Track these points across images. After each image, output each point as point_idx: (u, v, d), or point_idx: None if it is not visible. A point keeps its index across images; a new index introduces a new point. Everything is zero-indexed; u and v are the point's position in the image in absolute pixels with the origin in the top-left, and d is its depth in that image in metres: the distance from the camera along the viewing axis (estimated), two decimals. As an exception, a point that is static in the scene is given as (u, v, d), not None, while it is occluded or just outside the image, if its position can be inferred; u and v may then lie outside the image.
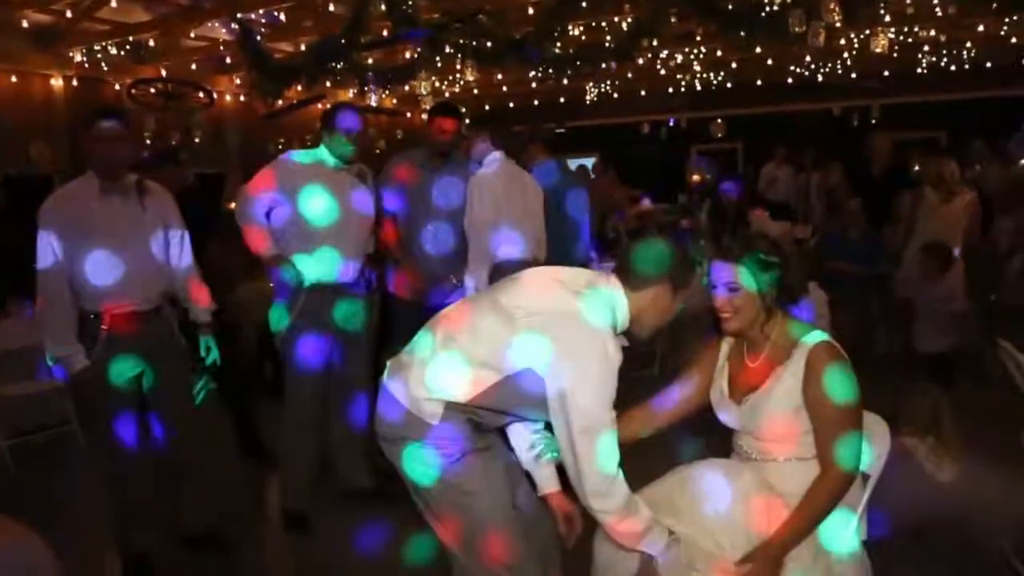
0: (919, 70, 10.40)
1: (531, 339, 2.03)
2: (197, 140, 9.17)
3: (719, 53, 9.34)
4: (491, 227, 4.09)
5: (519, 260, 4.25)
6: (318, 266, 3.77)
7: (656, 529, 2.13)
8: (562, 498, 2.42)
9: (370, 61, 7.60)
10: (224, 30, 7.67)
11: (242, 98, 10.06)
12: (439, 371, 2.14)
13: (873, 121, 11.54)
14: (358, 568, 3.41)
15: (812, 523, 2.20)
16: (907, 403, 3.50)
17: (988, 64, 10.37)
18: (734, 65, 10.25)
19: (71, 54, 7.83)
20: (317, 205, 3.72)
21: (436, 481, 2.16)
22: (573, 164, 7.95)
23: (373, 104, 10.94)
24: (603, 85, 11.37)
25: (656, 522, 2.15)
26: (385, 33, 6.43)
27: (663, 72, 10.16)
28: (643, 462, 2.46)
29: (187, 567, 3.56)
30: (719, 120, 12.24)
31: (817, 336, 2.28)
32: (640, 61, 8.43)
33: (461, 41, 6.18)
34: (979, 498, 3.36)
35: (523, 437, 2.43)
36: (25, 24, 7.15)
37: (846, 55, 9.53)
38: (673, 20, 6.54)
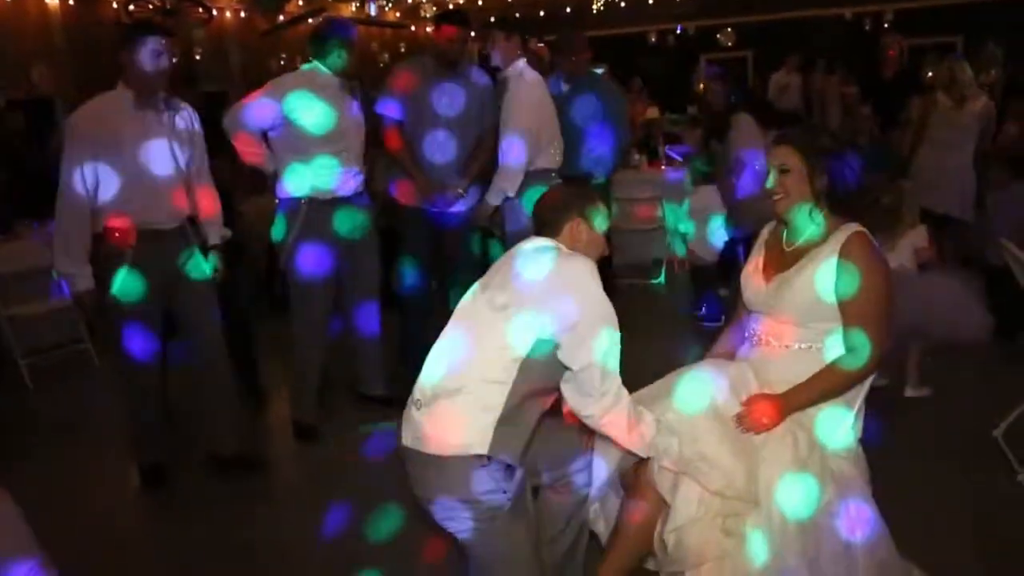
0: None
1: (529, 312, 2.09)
2: (198, 57, 9.05)
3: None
4: (529, 135, 4.16)
5: (550, 169, 4.40)
6: (316, 176, 3.79)
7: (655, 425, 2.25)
8: None
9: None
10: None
11: (242, 14, 9.89)
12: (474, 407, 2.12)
13: (886, 26, 11.27)
14: (369, 475, 3.46)
15: (822, 394, 2.32)
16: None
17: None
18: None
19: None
20: (311, 113, 3.72)
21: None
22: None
23: (373, 15, 10.75)
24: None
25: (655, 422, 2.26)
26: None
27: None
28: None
29: (199, 483, 3.66)
30: (728, 28, 11.98)
31: (854, 226, 2.34)
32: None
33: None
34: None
35: None
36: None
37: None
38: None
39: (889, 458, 2.56)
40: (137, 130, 3.27)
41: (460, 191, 4.22)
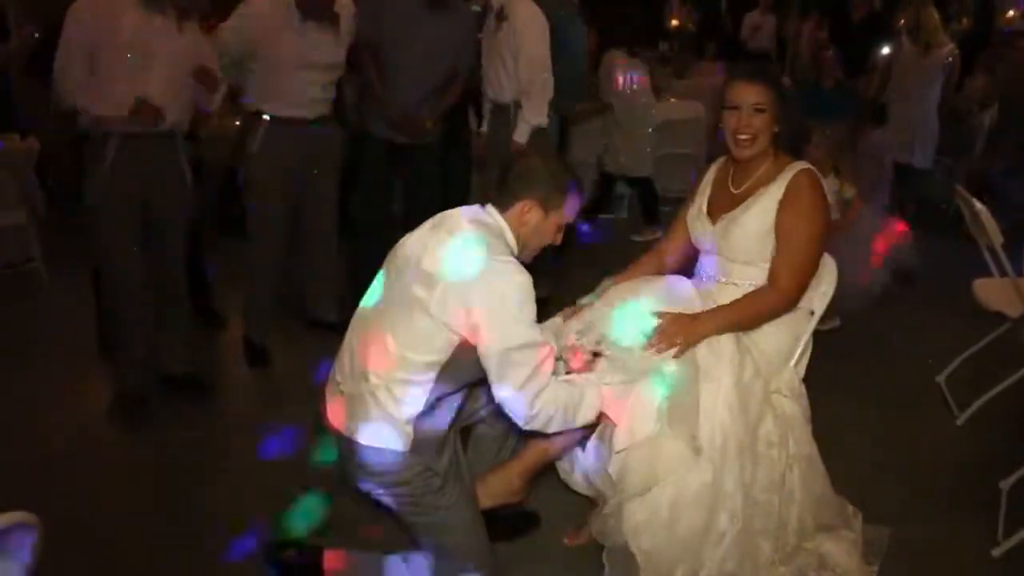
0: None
1: (453, 307, 1.98)
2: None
3: None
4: (547, 65, 4.11)
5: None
6: (279, 100, 3.72)
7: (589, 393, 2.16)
8: None
9: None
10: None
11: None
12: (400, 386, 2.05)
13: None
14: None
15: (735, 323, 2.28)
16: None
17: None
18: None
19: None
20: (279, 49, 3.64)
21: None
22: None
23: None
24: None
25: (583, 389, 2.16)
26: None
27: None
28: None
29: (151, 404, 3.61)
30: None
31: (802, 164, 2.32)
32: None
33: None
34: None
35: None
36: None
37: None
38: None
39: (832, 398, 2.59)
40: (141, 28, 3.15)
41: (428, 124, 4.13)
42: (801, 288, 2.30)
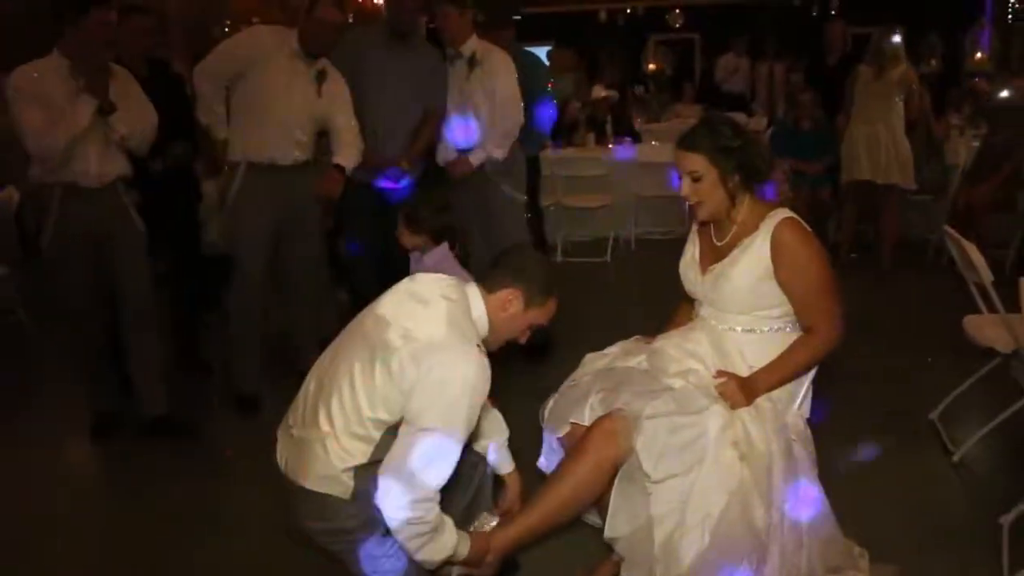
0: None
1: (410, 373, 1.95)
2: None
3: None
4: (520, 107, 4.18)
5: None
6: (258, 145, 3.73)
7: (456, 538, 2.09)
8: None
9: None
10: None
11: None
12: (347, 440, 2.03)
13: (832, 12, 11.40)
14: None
15: (789, 375, 2.34)
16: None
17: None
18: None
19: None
20: (268, 83, 3.68)
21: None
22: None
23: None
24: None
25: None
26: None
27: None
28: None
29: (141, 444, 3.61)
30: (677, 10, 12.04)
31: (782, 212, 2.32)
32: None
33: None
34: None
35: None
36: None
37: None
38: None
39: (827, 437, 2.58)
40: (72, 93, 3.31)
41: (404, 165, 4.13)
42: (839, 322, 2.32)
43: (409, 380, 1.93)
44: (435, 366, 1.92)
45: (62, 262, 3.47)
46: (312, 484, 2.04)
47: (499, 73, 4.16)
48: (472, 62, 4.18)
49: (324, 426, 2.02)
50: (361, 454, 2.01)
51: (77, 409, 3.83)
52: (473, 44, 4.18)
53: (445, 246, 3.02)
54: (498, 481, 2.45)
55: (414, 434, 1.93)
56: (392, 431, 2.00)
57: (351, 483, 2.02)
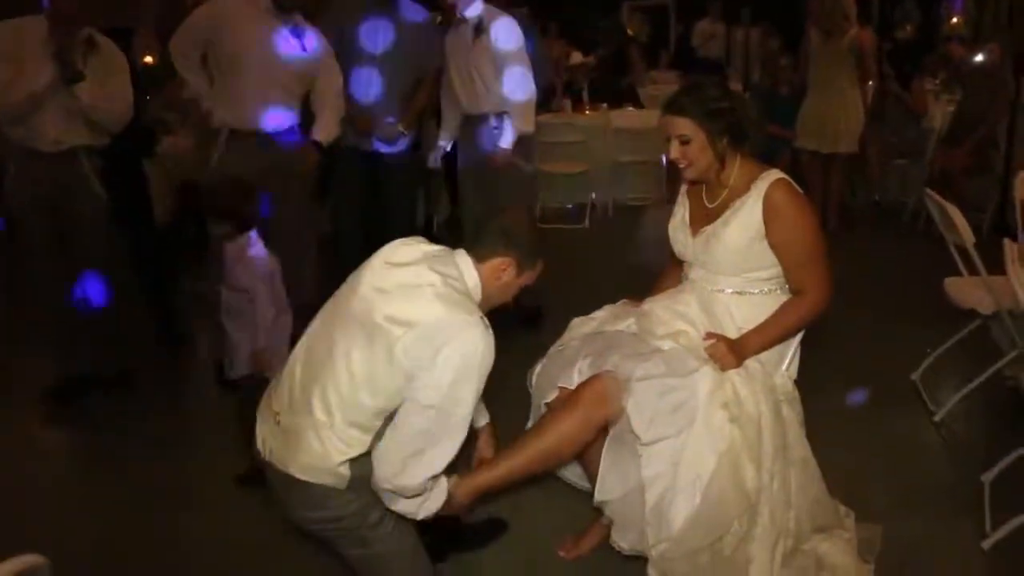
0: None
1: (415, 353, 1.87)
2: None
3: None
4: (530, 75, 4.11)
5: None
6: (239, 110, 3.65)
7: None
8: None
9: None
10: None
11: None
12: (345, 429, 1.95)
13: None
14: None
15: (778, 337, 2.34)
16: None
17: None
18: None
19: None
20: (240, 43, 3.59)
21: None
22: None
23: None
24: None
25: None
26: None
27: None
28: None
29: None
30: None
31: (774, 174, 2.31)
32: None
33: None
34: None
35: None
36: None
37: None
38: None
39: (811, 397, 2.59)
40: (45, 56, 3.32)
41: (399, 128, 4.06)
42: (829, 284, 2.31)
43: (417, 363, 1.85)
44: (444, 345, 1.83)
45: (21, 224, 3.59)
46: (305, 475, 1.94)
47: (507, 42, 4.06)
48: (479, 28, 4.09)
49: (319, 414, 1.92)
50: (360, 444, 1.93)
51: (39, 372, 3.84)
52: (479, 8, 4.10)
53: (254, 234, 2.95)
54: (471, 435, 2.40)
55: (423, 412, 1.87)
56: (392, 418, 1.93)
57: (347, 473, 1.94)
